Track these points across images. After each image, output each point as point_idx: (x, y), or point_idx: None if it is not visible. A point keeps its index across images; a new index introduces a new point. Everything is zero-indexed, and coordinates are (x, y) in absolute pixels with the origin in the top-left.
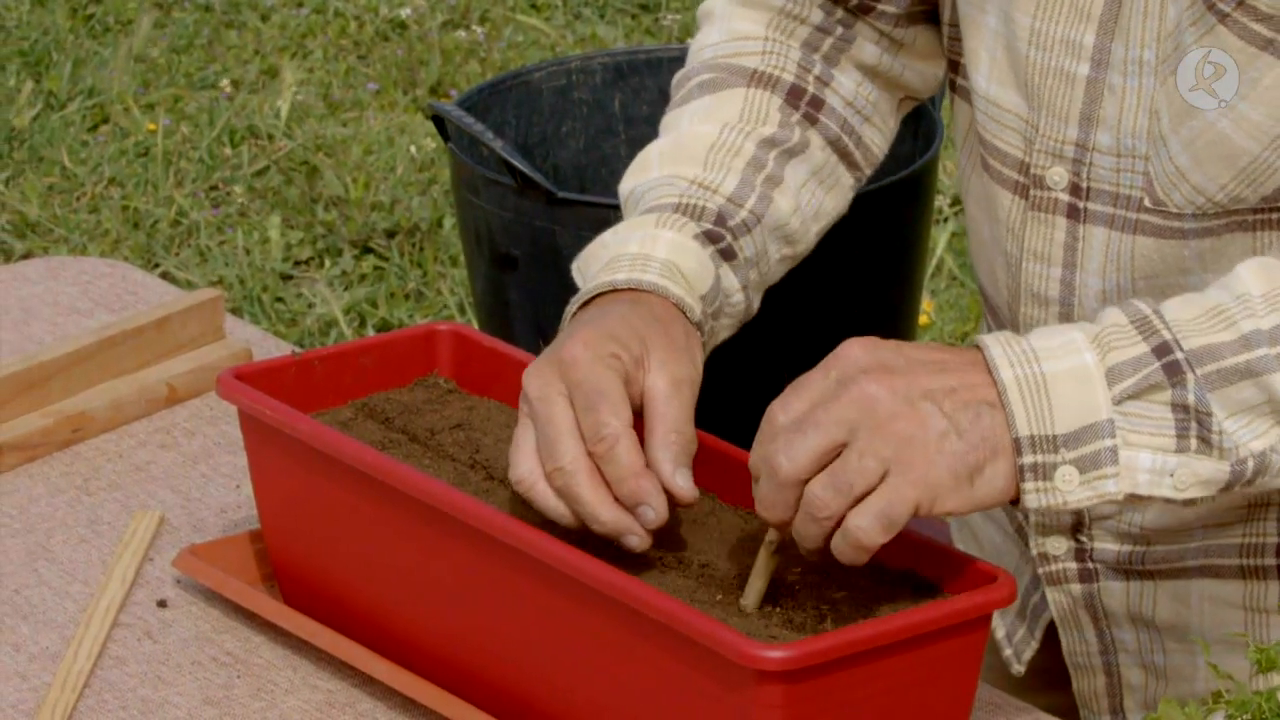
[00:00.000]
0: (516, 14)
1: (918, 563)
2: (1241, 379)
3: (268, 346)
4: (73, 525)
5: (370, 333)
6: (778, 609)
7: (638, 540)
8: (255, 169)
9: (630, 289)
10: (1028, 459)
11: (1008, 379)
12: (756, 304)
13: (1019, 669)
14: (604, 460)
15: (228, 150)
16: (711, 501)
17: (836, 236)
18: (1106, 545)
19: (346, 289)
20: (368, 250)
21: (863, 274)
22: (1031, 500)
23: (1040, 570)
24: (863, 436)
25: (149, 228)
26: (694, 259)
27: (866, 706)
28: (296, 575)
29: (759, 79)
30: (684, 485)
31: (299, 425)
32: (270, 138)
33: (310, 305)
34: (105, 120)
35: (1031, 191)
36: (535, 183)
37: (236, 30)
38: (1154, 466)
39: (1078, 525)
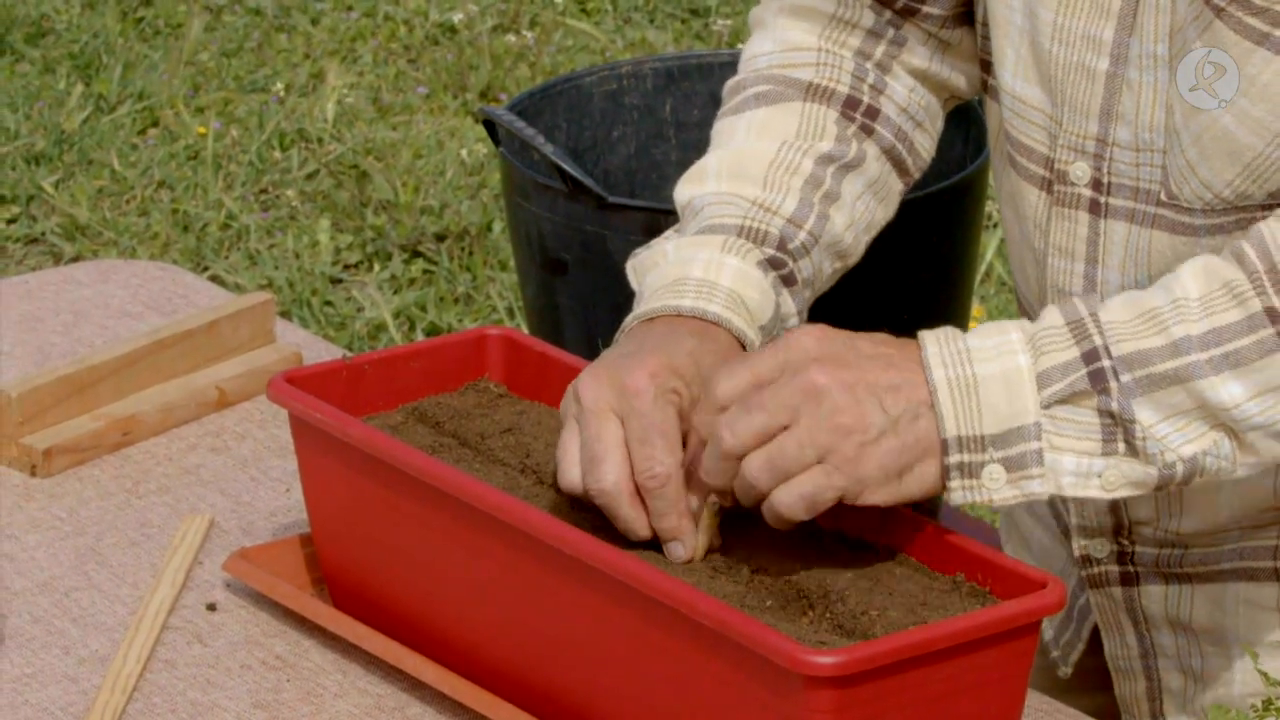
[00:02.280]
0: (566, 18)
1: (967, 568)
2: (1171, 384)
3: (317, 350)
4: (123, 528)
5: (419, 337)
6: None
7: (680, 549)
8: (305, 172)
9: (695, 317)
10: (954, 458)
11: (939, 379)
12: (806, 315)
13: (1065, 671)
14: (651, 495)
15: (277, 154)
16: None
17: (887, 243)
18: (1147, 549)
19: (396, 293)
20: (417, 254)
21: (913, 280)
22: (957, 496)
23: (1083, 573)
24: (804, 424)
25: (198, 231)
26: (757, 289)
27: (915, 712)
28: (346, 579)
29: (815, 92)
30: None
31: (350, 429)
32: (320, 141)
33: (359, 309)
34: (155, 123)
35: (1055, 187)
36: (586, 187)
37: (286, 34)
38: (1078, 469)
39: (1118, 528)
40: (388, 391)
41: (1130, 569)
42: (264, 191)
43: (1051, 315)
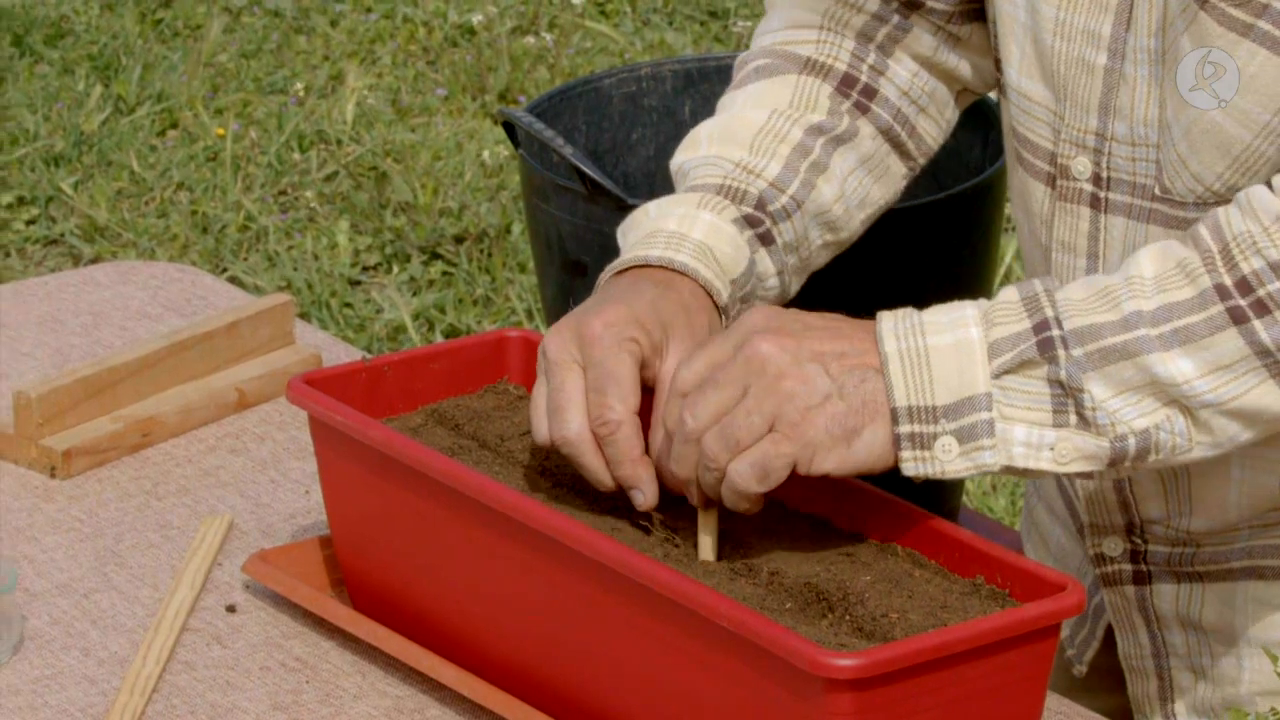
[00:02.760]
0: (585, 20)
1: (987, 571)
2: (1120, 359)
3: (336, 352)
4: (142, 530)
5: (438, 338)
6: (846, 618)
7: (641, 499)
8: (324, 174)
9: (662, 267)
10: (904, 428)
11: (890, 350)
12: (795, 288)
13: (1080, 669)
14: (604, 442)
15: (296, 155)
16: (781, 509)
17: (906, 245)
18: (1159, 547)
19: (415, 295)
20: (436, 256)
21: (932, 282)
22: (909, 468)
23: (1097, 571)
24: (752, 393)
25: (217, 232)
26: (729, 243)
27: (935, 715)
28: (365, 581)
29: (811, 66)
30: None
31: (369, 431)
32: (339, 143)
33: (378, 311)
34: (174, 125)
35: (1059, 182)
36: (605, 189)
37: (305, 35)
38: (1029, 439)
39: (1130, 526)
40: (407, 393)
41: (1143, 568)
42: (283, 193)
43: (1008, 292)
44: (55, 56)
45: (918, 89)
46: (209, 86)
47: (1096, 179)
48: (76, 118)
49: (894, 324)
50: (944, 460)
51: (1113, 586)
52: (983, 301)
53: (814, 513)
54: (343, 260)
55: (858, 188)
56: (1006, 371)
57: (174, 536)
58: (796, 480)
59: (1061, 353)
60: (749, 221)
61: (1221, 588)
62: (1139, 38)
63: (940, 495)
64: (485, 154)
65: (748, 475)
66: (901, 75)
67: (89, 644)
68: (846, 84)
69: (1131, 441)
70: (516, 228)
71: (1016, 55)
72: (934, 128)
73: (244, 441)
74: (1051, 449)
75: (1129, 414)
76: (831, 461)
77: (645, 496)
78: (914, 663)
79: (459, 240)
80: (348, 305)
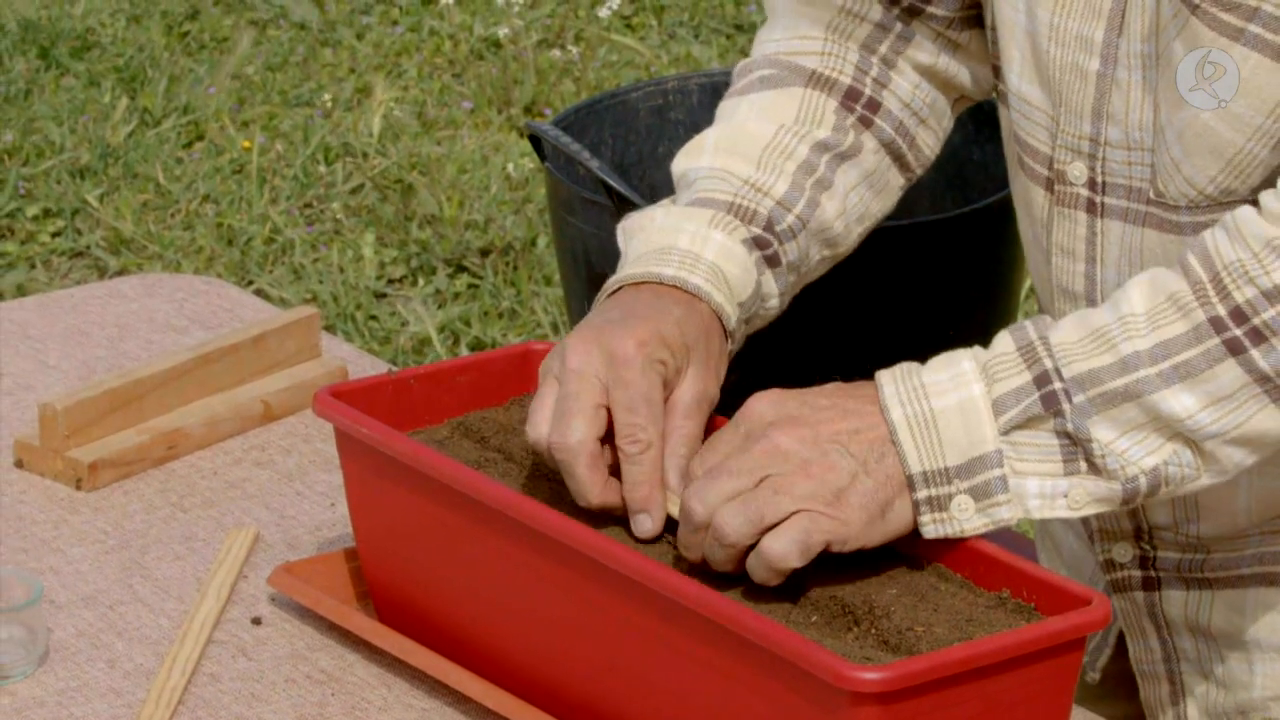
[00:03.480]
0: (611, 34)
1: (1012, 584)
2: (1123, 401)
3: (362, 365)
4: (168, 542)
5: (464, 351)
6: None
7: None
8: (350, 186)
9: (676, 287)
10: (921, 493)
11: (897, 419)
12: (787, 301)
13: (1094, 676)
14: (630, 461)
15: (322, 168)
16: None
17: (931, 260)
18: (1169, 554)
19: (440, 307)
20: (462, 269)
21: (958, 296)
22: (929, 530)
23: (1107, 577)
24: (776, 479)
25: (243, 245)
26: (739, 265)
27: None
28: (391, 593)
29: (817, 80)
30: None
31: (395, 444)
32: (365, 155)
33: (404, 323)
34: (200, 137)
35: (1056, 187)
36: (632, 203)
37: (331, 48)
38: (1042, 491)
39: (1138, 532)
40: (433, 406)
41: (1152, 574)
42: (308, 206)
43: (1003, 342)
44: (81, 69)
45: (919, 100)
46: (235, 99)
47: (1092, 184)
48: (102, 130)
49: (895, 389)
50: (961, 519)
51: (1123, 592)
52: (979, 352)
53: None
54: (368, 273)
55: (858, 203)
56: (1015, 427)
57: (199, 549)
58: None
59: (1066, 406)
60: (758, 243)
61: (1231, 594)
62: (1131, 43)
63: None
64: (511, 167)
65: (791, 551)
66: (904, 87)
67: (114, 656)
68: (851, 97)
69: (1143, 481)
70: (542, 241)
71: (1017, 60)
72: (932, 139)
73: (270, 454)
74: (1066, 496)
75: (1136, 453)
76: (867, 537)
77: (653, 522)
78: (940, 676)
79: (484, 253)
80: (373, 318)
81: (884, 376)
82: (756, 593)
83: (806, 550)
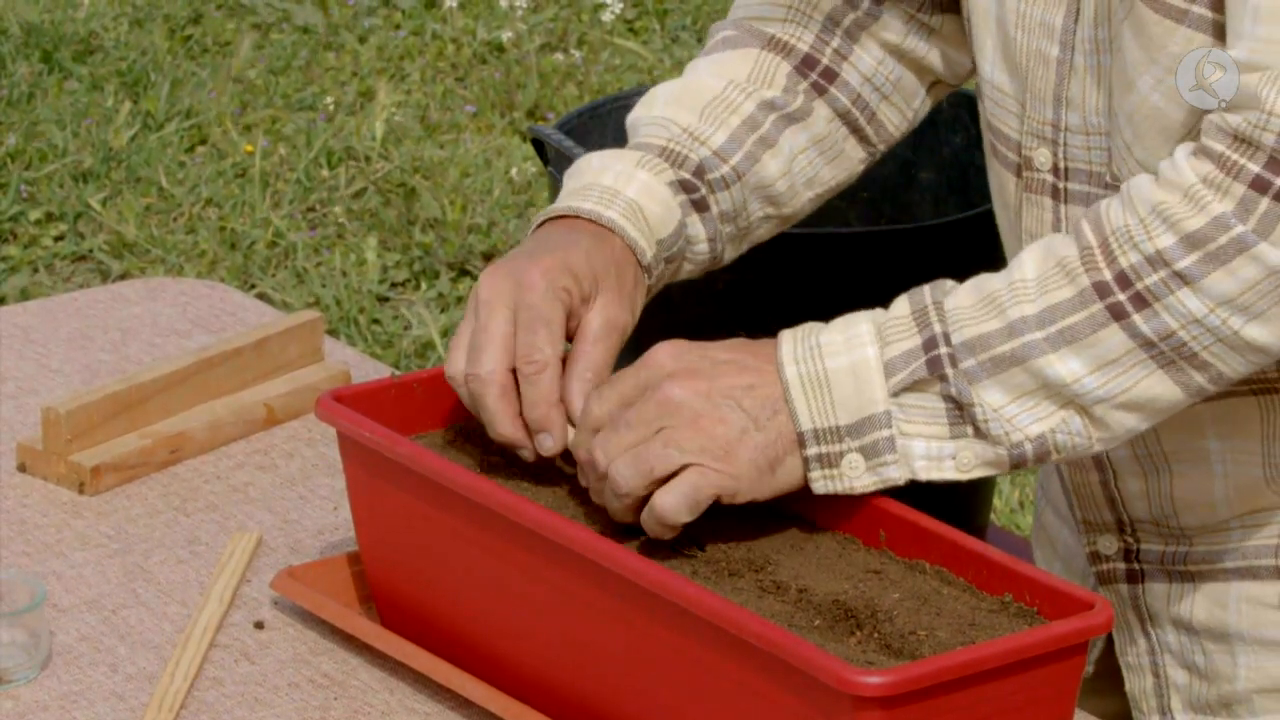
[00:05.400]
0: (614, 38)
1: (1015, 588)
2: (1011, 365)
3: (365, 369)
4: (170, 546)
5: None
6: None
7: (527, 454)
8: (352, 190)
9: (591, 220)
10: (812, 450)
11: (791, 376)
12: (729, 255)
13: (1087, 670)
14: (527, 381)
15: (325, 172)
16: (810, 526)
17: (932, 264)
18: (1151, 546)
19: (443, 311)
20: (464, 272)
21: None
22: (819, 486)
23: (1093, 569)
24: (668, 432)
25: (246, 248)
26: (660, 205)
27: None
28: (394, 597)
29: (774, 44)
30: None
31: (398, 448)
32: (368, 159)
33: (406, 327)
34: (203, 141)
35: (1024, 173)
36: None
37: (334, 52)
38: (929, 453)
39: (1120, 524)
40: (436, 410)
41: (1135, 566)
42: (311, 210)
43: (900, 305)
44: (84, 73)
45: (882, 76)
46: (238, 103)
47: (1056, 170)
48: (105, 134)
49: (792, 347)
50: (851, 476)
51: (1108, 585)
52: (878, 314)
53: (842, 530)
54: (371, 277)
55: (807, 167)
56: (903, 390)
57: (202, 552)
58: (826, 498)
59: (950, 370)
60: (684, 186)
61: (1213, 587)
62: (1084, 28)
63: (967, 513)
64: (514, 171)
65: (679, 505)
66: (866, 61)
67: (117, 660)
68: (807, 65)
69: (1029, 447)
70: None
71: (990, 47)
72: (898, 116)
73: (272, 458)
74: (953, 459)
75: (1024, 420)
76: (756, 491)
77: (554, 441)
78: (942, 680)
79: (487, 257)
80: (376, 322)
81: (785, 335)
82: (759, 596)
83: (695, 505)
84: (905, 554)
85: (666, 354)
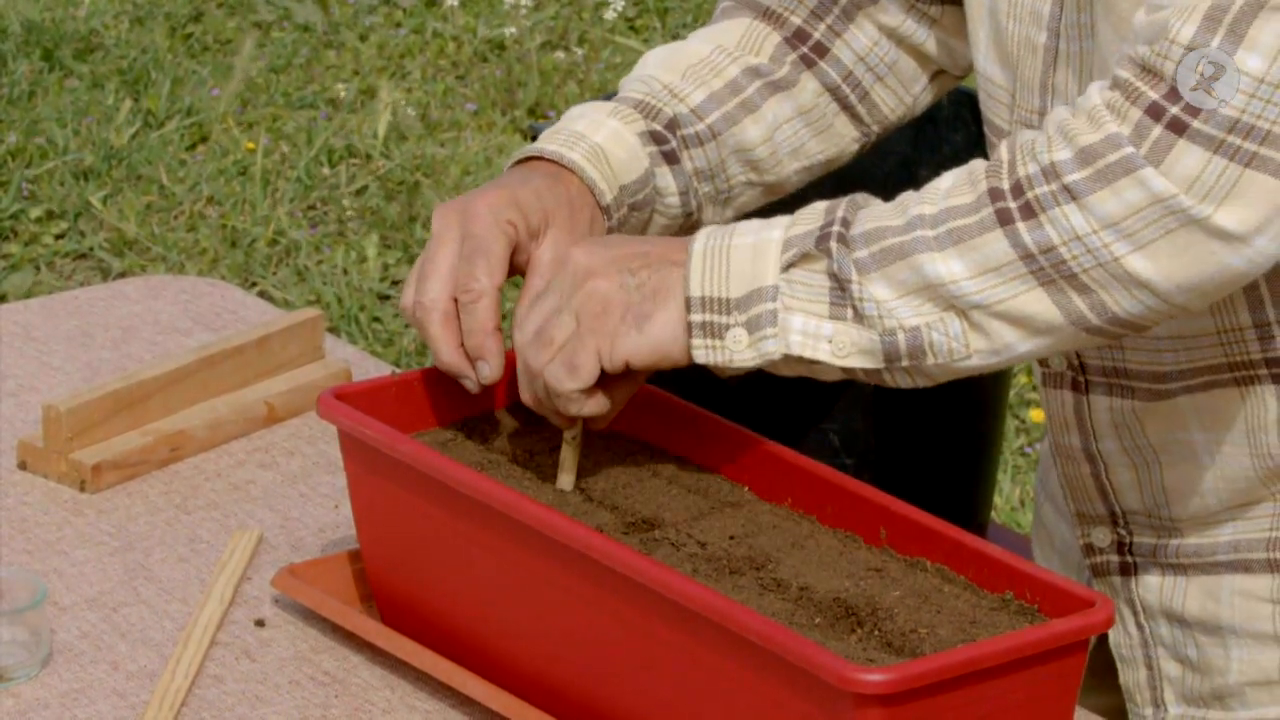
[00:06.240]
0: (615, 35)
1: (1015, 586)
2: (897, 259)
3: (366, 367)
4: (171, 544)
5: None
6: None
7: (470, 384)
8: (353, 188)
9: (554, 161)
10: (696, 317)
11: (697, 248)
12: (711, 217)
13: None
14: (464, 309)
15: (326, 170)
16: (812, 524)
17: None
18: (1144, 538)
19: None
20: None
21: None
22: (700, 354)
23: (1087, 561)
24: (564, 297)
25: (247, 246)
26: (627, 151)
27: None
28: (395, 595)
29: (768, 15)
30: None
31: (399, 446)
32: (368, 157)
33: (407, 325)
34: (204, 139)
35: None
36: None
37: (335, 50)
38: (805, 329)
39: (1113, 516)
40: (437, 408)
41: (1128, 559)
42: (312, 207)
43: (821, 203)
44: (85, 71)
45: (876, 57)
46: (239, 101)
47: None
48: (106, 132)
49: (710, 231)
50: (733, 350)
51: (1101, 577)
52: (806, 209)
53: (843, 528)
54: (372, 274)
55: (792, 137)
56: (792, 265)
57: (203, 550)
58: (827, 495)
59: (835, 245)
60: (654, 138)
61: (1206, 580)
62: (1069, 14)
63: (968, 510)
64: None
65: (559, 373)
66: (860, 40)
67: (118, 658)
68: (798, 38)
69: (901, 337)
70: None
71: (983, 40)
72: (893, 99)
73: (273, 456)
74: (830, 341)
75: (904, 313)
76: (627, 347)
77: (490, 369)
78: (943, 678)
79: None
80: (377, 320)
81: (716, 221)
82: (760, 594)
83: (575, 369)
84: (906, 552)
85: (583, 242)
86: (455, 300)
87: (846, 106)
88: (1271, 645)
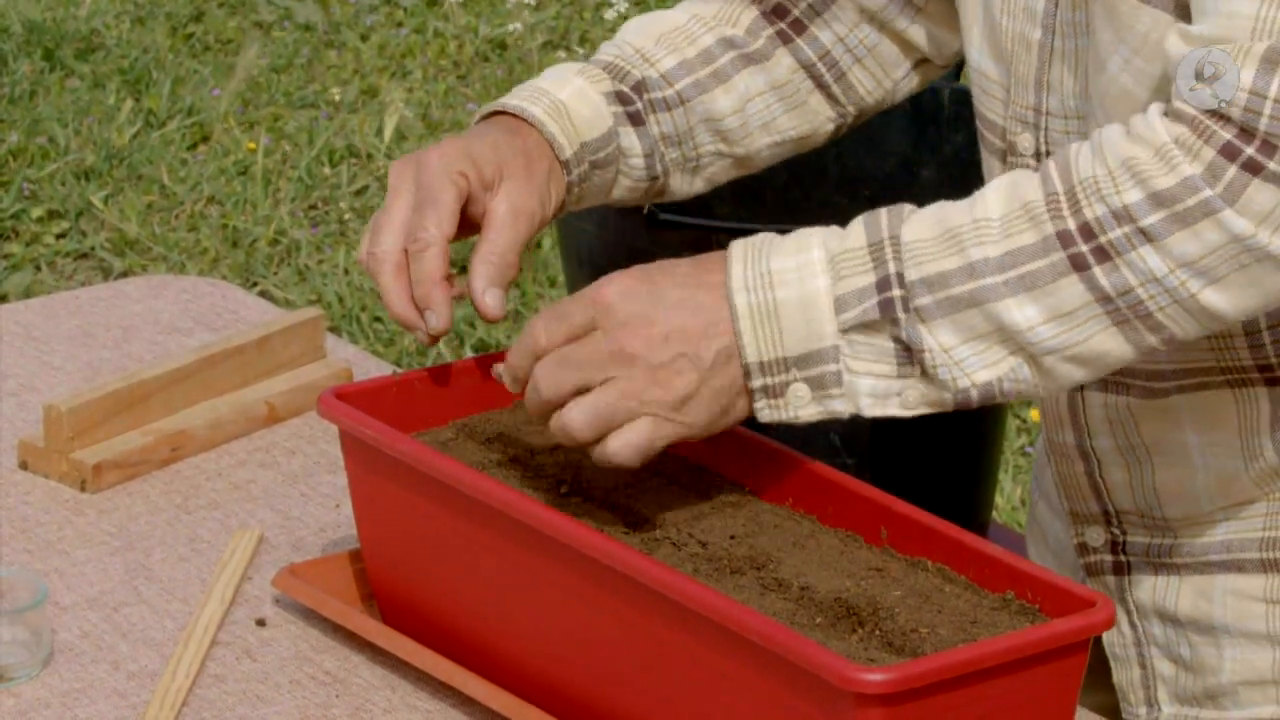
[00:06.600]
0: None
1: (1016, 586)
2: (967, 307)
3: (367, 366)
4: (172, 543)
5: (468, 353)
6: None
7: (421, 335)
8: (354, 188)
9: (514, 115)
10: (757, 382)
11: (740, 306)
12: (680, 186)
13: None
14: (413, 259)
15: (327, 169)
16: (813, 524)
17: None
18: (1137, 538)
19: None
20: (465, 270)
21: None
22: (765, 415)
23: (1081, 561)
24: (623, 384)
25: (248, 246)
26: (590, 108)
27: None
28: (395, 595)
29: None
30: (491, 304)
31: (399, 445)
32: (369, 157)
33: None
34: (205, 139)
35: (1009, 159)
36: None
37: (336, 50)
38: (875, 391)
39: (1107, 515)
40: (438, 407)
41: (1122, 559)
42: (313, 207)
43: (855, 234)
44: (86, 71)
45: (856, 39)
46: (240, 101)
47: (1038, 154)
48: (107, 132)
49: (744, 271)
50: (796, 406)
51: (1095, 577)
52: (830, 238)
53: (844, 528)
54: None
55: (763, 110)
56: (852, 328)
57: (204, 550)
58: (828, 495)
59: (902, 315)
60: (619, 98)
61: (1199, 580)
62: (1064, 11)
63: (969, 510)
64: None
65: (630, 455)
66: (841, 22)
67: (118, 657)
68: (777, 14)
69: (974, 393)
70: (546, 242)
71: (977, 35)
72: (871, 82)
73: (274, 455)
74: (899, 396)
75: (973, 365)
76: (708, 434)
77: (438, 319)
78: (944, 678)
79: None
80: (378, 320)
81: (735, 253)
82: (761, 594)
83: (647, 454)
84: (907, 551)
85: (616, 292)
86: (406, 251)
87: (822, 85)
88: (1265, 645)
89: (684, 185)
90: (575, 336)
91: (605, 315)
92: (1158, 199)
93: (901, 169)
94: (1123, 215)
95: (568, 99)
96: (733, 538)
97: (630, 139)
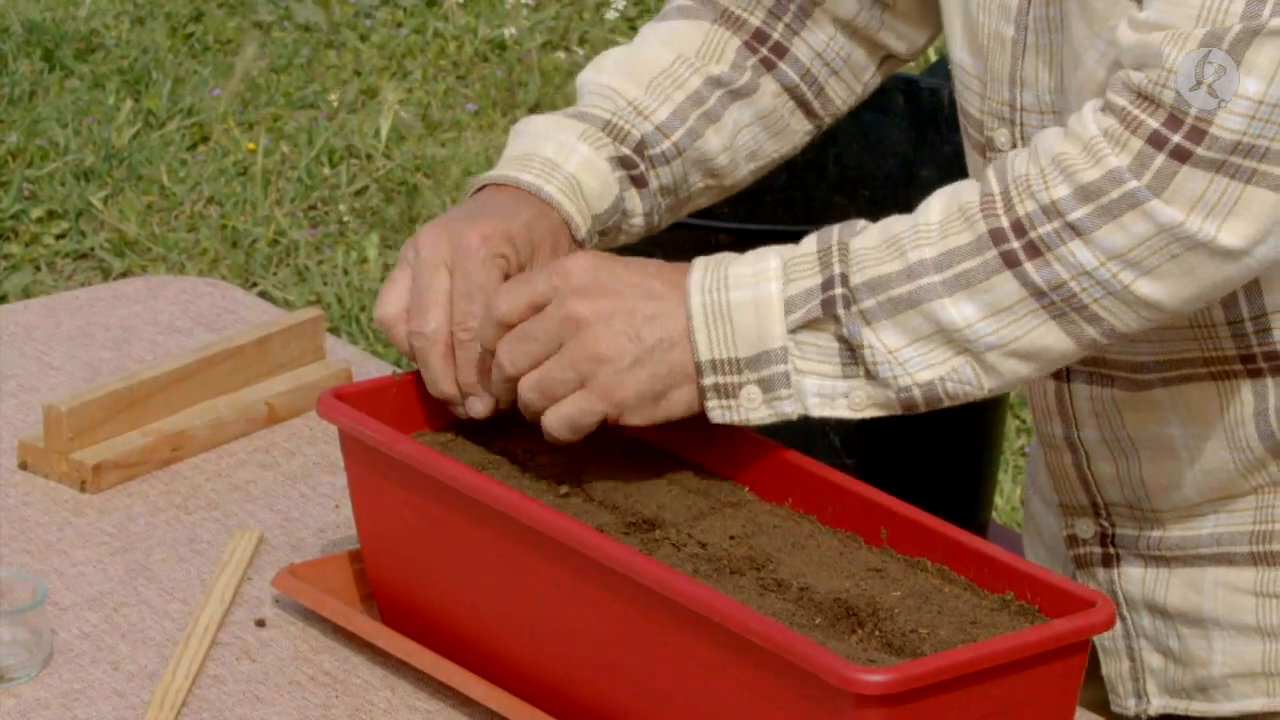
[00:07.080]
0: (616, 36)
1: (1016, 586)
2: (908, 308)
3: (366, 366)
4: (172, 544)
5: None
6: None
7: (460, 410)
8: (354, 188)
9: (532, 194)
10: (709, 380)
11: (695, 307)
12: (665, 224)
13: None
14: (460, 345)
15: (326, 170)
16: (812, 524)
17: None
18: (1126, 530)
19: None
20: None
21: None
22: (716, 415)
23: (1070, 553)
24: (566, 352)
25: (247, 246)
26: (599, 180)
27: None
28: (395, 595)
29: (727, 17)
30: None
31: (399, 446)
32: (369, 157)
33: None
34: (205, 139)
35: (988, 153)
36: None
37: (336, 50)
38: (821, 390)
39: (1095, 507)
40: (437, 408)
41: (1111, 551)
42: (313, 208)
43: (808, 242)
44: (86, 71)
45: (832, 52)
46: (239, 101)
47: (1015, 149)
48: (107, 132)
49: (703, 276)
50: (748, 408)
51: (1084, 569)
52: (789, 248)
53: (844, 528)
54: (373, 274)
55: (749, 141)
56: (800, 327)
57: (204, 551)
58: (827, 495)
59: (843, 311)
60: (624, 163)
61: (1188, 573)
62: (1037, 7)
63: (969, 510)
64: None
65: (560, 428)
66: (818, 37)
67: (118, 658)
68: (757, 39)
69: (917, 392)
70: None
71: (958, 30)
72: (845, 90)
73: (274, 456)
74: (845, 397)
75: (916, 365)
76: (640, 417)
77: (483, 406)
78: (944, 679)
79: None
80: None
81: (698, 262)
82: (760, 594)
83: (577, 429)
84: (906, 552)
85: (577, 265)
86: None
87: (802, 103)
88: (1254, 637)
89: (670, 219)
90: (536, 305)
91: (563, 281)
92: (1084, 193)
93: (901, 169)
94: (1051, 210)
95: (577, 172)
96: (732, 538)
97: (634, 201)
